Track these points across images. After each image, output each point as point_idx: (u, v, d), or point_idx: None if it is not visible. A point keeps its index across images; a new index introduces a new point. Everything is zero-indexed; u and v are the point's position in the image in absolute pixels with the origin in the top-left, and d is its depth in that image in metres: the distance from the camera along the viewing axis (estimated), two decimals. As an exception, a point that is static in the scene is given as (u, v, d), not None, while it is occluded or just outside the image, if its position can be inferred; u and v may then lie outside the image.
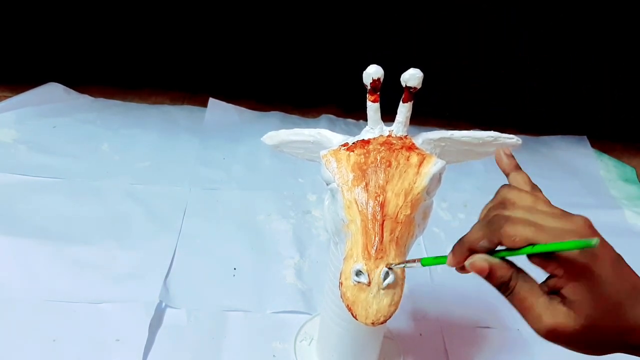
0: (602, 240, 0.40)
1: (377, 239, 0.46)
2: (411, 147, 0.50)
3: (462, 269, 0.43)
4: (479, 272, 0.41)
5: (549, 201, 0.42)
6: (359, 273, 0.45)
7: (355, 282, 0.46)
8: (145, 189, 0.98)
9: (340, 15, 1.21)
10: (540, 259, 0.39)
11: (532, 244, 0.38)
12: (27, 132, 1.08)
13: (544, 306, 0.39)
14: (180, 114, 1.21)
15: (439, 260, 0.45)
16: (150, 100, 1.25)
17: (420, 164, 0.48)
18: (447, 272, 0.88)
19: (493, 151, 0.54)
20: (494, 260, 0.40)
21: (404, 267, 0.47)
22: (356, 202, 0.47)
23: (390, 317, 0.48)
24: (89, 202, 0.94)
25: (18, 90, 1.19)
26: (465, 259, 0.42)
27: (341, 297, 0.47)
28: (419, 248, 0.92)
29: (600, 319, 0.38)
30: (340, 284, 0.47)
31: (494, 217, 0.41)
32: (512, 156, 0.46)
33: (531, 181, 0.45)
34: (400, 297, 0.47)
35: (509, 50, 1.26)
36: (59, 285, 0.78)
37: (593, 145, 1.26)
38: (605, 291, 0.38)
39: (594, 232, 0.40)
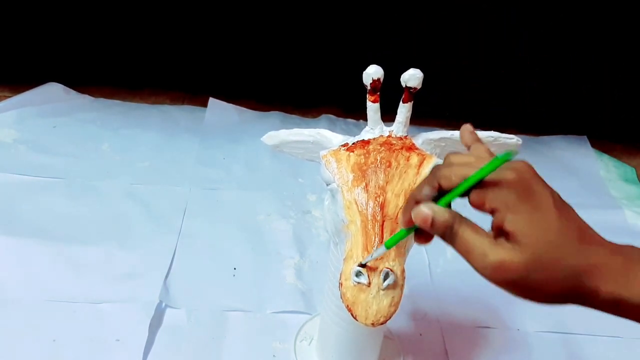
0: (543, 182, 0.41)
1: (377, 239, 0.46)
2: (411, 148, 0.50)
3: (420, 239, 0.43)
4: (423, 221, 0.40)
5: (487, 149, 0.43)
6: (359, 274, 0.45)
7: (355, 283, 0.46)
8: (145, 189, 0.98)
9: (340, 16, 1.21)
10: (478, 197, 0.39)
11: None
12: (27, 132, 1.08)
13: (488, 245, 0.38)
14: (180, 114, 1.21)
15: (398, 235, 0.44)
16: (150, 100, 1.26)
17: (420, 164, 0.48)
18: (447, 272, 0.89)
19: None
20: (436, 207, 0.40)
21: (372, 259, 0.47)
22: (356, 202, 0.47)
23: (390, 317, 0.48)
24: (89, 202, 0.94)
25: (18, 90, 1.19)
26: (411, 214, 0.41)
27: (341, 297, 0.47)
28: (419, 248, 0.92)
29: (546, 253, 0.37)
30: (340, 284, 0.47)
31: (435, 167, 0.42)
32: (474, 132, 0.46)
33: (490, 152, 0.44)
34: (400, 297, 0.47)
35: (509, 50, 1.26)
36: (59, 285, 0.78)
37: (593, 145, 1.26)
38: (548, 225, 0.38)
39: (534, 172, 0.40)
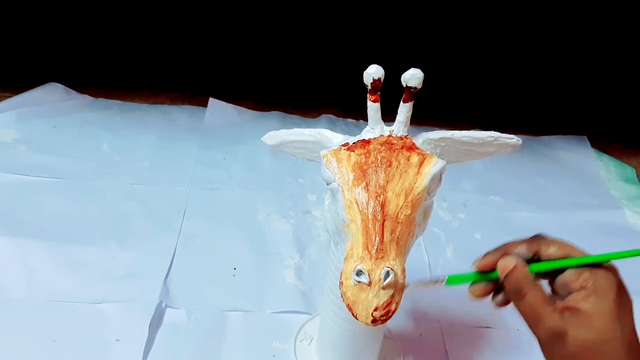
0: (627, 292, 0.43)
1: (377, 238, 0.46)
2: (412, 147, 0.50)
3: (495, 293, 0.46)
4: (503, 268, 0.43)
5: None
6: (359, 273, 0.45)
7: (355, 282, 0.45)
8: (145, 189, 0.98)
9: (340, 16, 1.22)
10: (573, 274, 0.41)
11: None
12: (27, 132, 1.08)
13: (557, 315, 0.40)
14: (180, 114, 1.21)
15: (466, 276, 0.47)
16: (150, 100, 1.26)
17: (421, 164, 0.48)
18: (447, 272, 0.88)
19: (493, 151, 0.54)
20: (522, 262, 0.43)
21: (424, 287, 0.49)
22: (357, 201, 0.47)
23: (390, 316, 0.48)
24: (89, 202, 0.93)
25: (18, 90, 1.19)
26: (494, 263, 0.45)
27: (342, 296, 0.47)
28: (419, 248, 0.92)
29: (604, 344, 0.39)
30: (341, 283, 0.47)
31: (538, 237, 0.45)
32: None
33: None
34: (401, 296, 0.47)
35: (509, 50, 1.26)
36: (59, 285, 0.78)
37: (593, 145, 1.26)
38: (619, 324, 0.40)
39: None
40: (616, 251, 0.42)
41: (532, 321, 0.42)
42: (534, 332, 0.42)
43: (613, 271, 0.42)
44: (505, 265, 0.43)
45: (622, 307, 0.40)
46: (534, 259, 0.45)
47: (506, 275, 0.43)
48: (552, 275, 0.44)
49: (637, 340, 0.41)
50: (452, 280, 0.47)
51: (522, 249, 0.44)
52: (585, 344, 0.39)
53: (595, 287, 0.40)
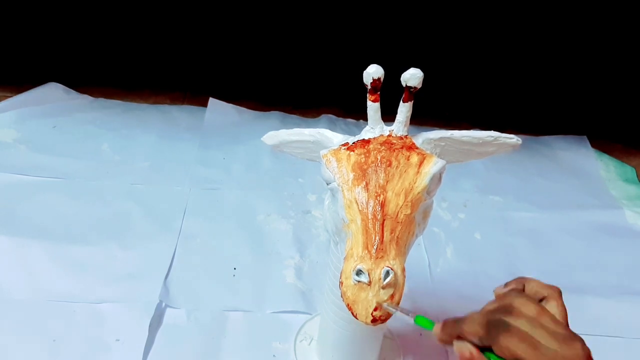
0: None
1: (377, 238, 0.46)
2: (411, 147, 0.50)
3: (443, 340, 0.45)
4: (461, 355, 0.43)
5: (555, 317, 0.42)
6: (359, 272, 0.45)
7: (355, 282, 0.46)
8: (145, 189, 0.98)
9: (340, 16, 1.22)
10: None
11: None
12: (27, 132, 1.08)
13: None
14: (180, 114, 1.21)
15: (429, 324, 0.48)
16: (150, 100, 1.26)
17: (421, 163, 0.48)
18: (447, 272, 0.89)
19: (493, 151, 0.54)
20: (477, 355, 0.42)
21: (393, 312, 0.48)
22: (356, 201, 0.47)
23: (390, 316, 0.48)
24: (89, 202, 0.94)
25: (18, 90, 1.19)
26: (452, 340, 0.44)
27: (342, 296, 0.47)
28: (419, 248, 0.92)
29: None
30: (341, 283, 0.47)
31: (496, 320, 0.41)
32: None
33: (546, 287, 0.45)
34: (401, 296, 0.47)
35: (509, 50, 1.26)
36: (59, 285, 0.78)
37: (593, 145, 1.26)
38: None
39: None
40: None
41: None
42: None
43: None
44: (463, 354, 0.43)
45: None
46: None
47: None
48: None
49: None
50: (419, 321, 0.48)
51: (476, 341, 0.42)
52: None
53: None
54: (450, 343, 0.44)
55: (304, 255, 0.89)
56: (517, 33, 1.23)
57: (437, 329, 0.46)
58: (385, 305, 0.47)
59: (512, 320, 0.41)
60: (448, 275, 0.89)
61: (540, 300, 0.45)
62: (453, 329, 0.44)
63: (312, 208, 0.99)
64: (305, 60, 1.27)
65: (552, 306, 0.44)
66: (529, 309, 0.41)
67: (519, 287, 0.46)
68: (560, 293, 0.45)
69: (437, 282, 0.87)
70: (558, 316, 0.43)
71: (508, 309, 0.42)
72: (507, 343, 0.39)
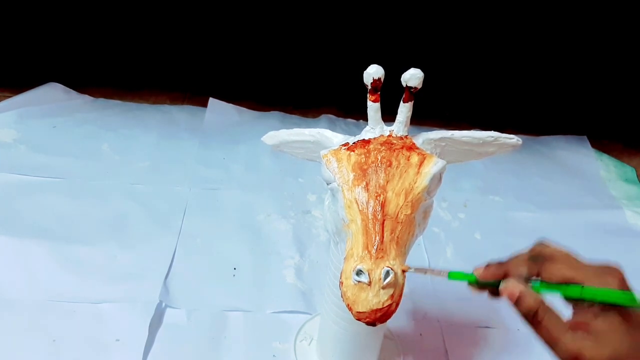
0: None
1: (377, 238, 0.46)
2: (411, 147, 0.50)
3: (492, 293, 0.46)
4: (510, 296, 0.43)
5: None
6: (359, 272, 0.45)
7: (355, 282, 0.45)
8: (145, 189, 0.98)
9: (340, 16, 1.22)
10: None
11: (568, 282, 0.42)
12: (27, 132, 1.08)
13: (571, 336, 0.41)
14: (180, 114, 1.21)
15: (465, 276, 0.47)
16: (150, 100, 1.26)
17: (421, 163, 0.48)
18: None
19: (493, 151, 0.54)
20: (526, 288, 0.43)
21: (424, 274, 0.48)
22: (357, 201, 0.47)
23: (390, 316, 0.48)
24: (89, 202, 0.94)
25: (18, 90, 1.19)
26: (495, 277, 0.45)
27: (342, 296, 0.47)
28: (419, 248, 0.92)
29: (627, 356, 0.39)
30: (341, 283, 0.47)
31: (538, 254, 0.45)
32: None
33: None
34: (401, 296, 0.47)
35: (509, 50, 1.26)
36: (59, 285, 0.78)
37: (593, 145, 1.26)
38: (632, 337, 0.40)
39: (626, 282, 0.42)
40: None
41: (550, 343, 0.42)
42: (552, 353, 0.42)
43: (619, 279, 0.42)
44: (511, 292, 0.43)
45: (631, 320, 0.41)
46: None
47: (517, 302, 0.43)
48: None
49: None
50: (454, 275, 0.47)
51: (524, 271, 0.44)
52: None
53: (604, 307, 0.41)
54: (490, 288, 0.46)
55: (304, 255, 0.89)
56: (517, 33, 1.23)
57: (478, 272, 0.46)
58: (412, 269, 0.47)
59: (552, 252, 0.44)
60: (448, 275, 0.89)
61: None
62: (497, 269, 0.45)
63: (312, 208, 0.99)
64: (305, 60, 1.27)
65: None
66: (559, 249, 0.45)
67: (501, 271, 0.46)
68: None
69: (437, 282, 0.87)
70: None
71: (544, 250, 0.45)
72: (553, 269, 0.43)
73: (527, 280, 0.44)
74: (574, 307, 0.43)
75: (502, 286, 0.44)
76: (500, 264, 0.46)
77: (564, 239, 1.00)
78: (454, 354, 0.77)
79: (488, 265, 0.46)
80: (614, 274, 0.42)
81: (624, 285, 0.42)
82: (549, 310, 0.42)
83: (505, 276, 0.45)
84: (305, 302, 0.81)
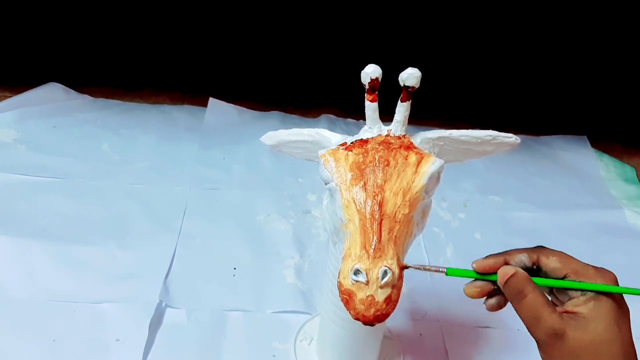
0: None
1: (375, 238, 0.46)
2: (409, 147, 0.50)
3: (490, 296, 0.48)
4: (502, 276, 0.44)
5: None
6: (357, 272, 0.45)
7: (353, 281, 0.46)
8: (145, 189, 0.98)
9: (340, 16, 1.22)
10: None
11: (565, 275, 0.43)
12: (27, 132, 1.08)
13: (556, 316, 0.42)
14: (180, 114, 1.21)
15: (464, 272, 0.48)
16: (150, 100, 1.26)
17: (419, 163, 0.48)
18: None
19: (491, 150, 0.54)
20: (521, 270, 0.44)
21: (423, 270, 0.49)
22: (354, 201, 0.47)
23: (388, 316, 0.48)
24: (89, 202, 0.94)
25: (18, 90, 1.19)
26: (494, 267, 0.46)
27: (339, 295, 0.47)
28: (419, 248, 0.92)
29: (610, 343, 0.40)
30: (339, 282, 0.47)
31: (536, 248, 0.47)
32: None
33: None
34: (399, 296, 0.47)
35: (508, 50, 1.26)
36: (59, 285, 0.78)
37: (593, 145, 1.26)
38: (617, 328, 0.41)
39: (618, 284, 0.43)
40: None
41: (532, 322, 0.43)
42: (532, 332, 0.43)
43: (613, 279, 0.43)
44: (506, 272, 0.44)
45: (620, 312, 0.42)
46: (533, 268, 0.46)
47: (506, 281, 0.44)
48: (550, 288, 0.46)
49: (633, 344, 0.42)
50: (452, 272, 0.48)
51: (523, 258, 0.45)
52: (583, 344, 0.41)
53: (595, 294, 0.42)
54: (488, 288, 0.47)
55: (304, 255, 0.89)
56: (517, 33, 1.23)
57: (478, 262, 0.47)
58: (413, 266, 0.48)
59: (552, 250, 0.46)
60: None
61: None
62: (497, 258, 0.46)
63: (312, 208, 0.99)
64: (305, 60, 1.27)
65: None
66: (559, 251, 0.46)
67: (500, 260, 0.48)
68: None
69: (437, 282, 0.87)
70: None
71: (544, 247, 0.47)
72: (550, 260, 0.44)
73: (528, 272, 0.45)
74: (566, 300, 0.44)
75: (500, 271, 0.45)
76: (500, 253, 0.47)
77: (564, 239, 1.00)
78: (454, 354, 0.77)
79: (488, 256, 0.47)
80: (609, 275, 0.43)
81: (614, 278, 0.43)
82: (537, 290, 0.43)
83: (503, 264, 0.46)
84: (305, 302, 0.81)
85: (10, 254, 0.81)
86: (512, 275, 0.44)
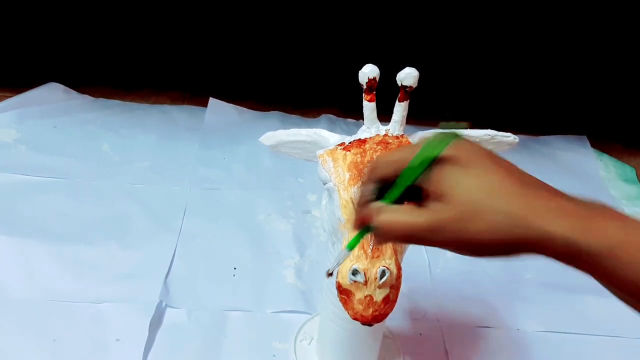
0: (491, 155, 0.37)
1: (373, 237, 0.46)
2: (408, 147, 0.50)
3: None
4: (357, 223, 0.38)
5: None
6: (355, 272, 0.45)
7: (351, 281, 0.46)
8: (145, 189, 0.99)
9: (339, 16, 1.22)
10: (423, 178, 0.35)
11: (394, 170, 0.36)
12: (27, 132, 1.08)
13: (417, 213, 0.35)
14: (180, 114, 1.21)
15: (357, 237, 0.40)
16: (150, 100, 1.26)
17: (417, 163, 0.48)
18: (447, 272, 0.89)
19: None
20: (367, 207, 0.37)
21: (338, 262, 0.43)
22: (352, 201, 0.47)
23: (387, 315, 0.48)
24: (89, 202, 0.94)
25: (18, 90, 1.19)
26: (367, 213, 0.37)
27: (338, 295, 0.47)
28: (419, 248, 0.92)
29: (478, 202, 0.33)
30: (337, 282, 0.47)
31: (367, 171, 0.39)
32: None
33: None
34: (397, 295, 0.47)
35: (508, 50, 1.26)
36: (59, 285, 0.78)
37: (593, 145, 1.26)
38: (482, 177, 0.34)
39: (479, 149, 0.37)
40: None
41: (400, 233, 0.35)
42: (433, 243, 0.35)
43: (464, 148, 0.36)
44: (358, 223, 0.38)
45: (480, 165, 0.35)
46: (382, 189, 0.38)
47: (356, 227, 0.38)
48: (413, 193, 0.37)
49: (528, 178, 0.37)
50: (350, 245, 0.40)
51: (370, 188, 0.38)
52: (456, 218, 0.34)
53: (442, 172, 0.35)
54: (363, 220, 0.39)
55: (304, 255, 0.89)
56: (517, 33, 1.23)
57: (354, 220, 0.40)
58: (332, 268, 0.41)
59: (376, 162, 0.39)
60: (448, 275, 0.89)
61: None
62: (358, 204, 0.39)
63: (312, 208, 0.99)
64: (305, 60, 1.27)
65: None
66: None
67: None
68: None
69: (437, 282, 0.87)
70: None
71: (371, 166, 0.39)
72: (376, 171, 0.38)
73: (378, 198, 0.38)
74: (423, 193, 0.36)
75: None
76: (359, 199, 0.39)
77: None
78: (454, 354, 0.77)
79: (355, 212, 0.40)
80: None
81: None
82: (385, 206, 0.36)
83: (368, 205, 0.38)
84: (305, 302, 0.81)
85: (10, 254, 0.81)
86: (358, 223, 0.37)
